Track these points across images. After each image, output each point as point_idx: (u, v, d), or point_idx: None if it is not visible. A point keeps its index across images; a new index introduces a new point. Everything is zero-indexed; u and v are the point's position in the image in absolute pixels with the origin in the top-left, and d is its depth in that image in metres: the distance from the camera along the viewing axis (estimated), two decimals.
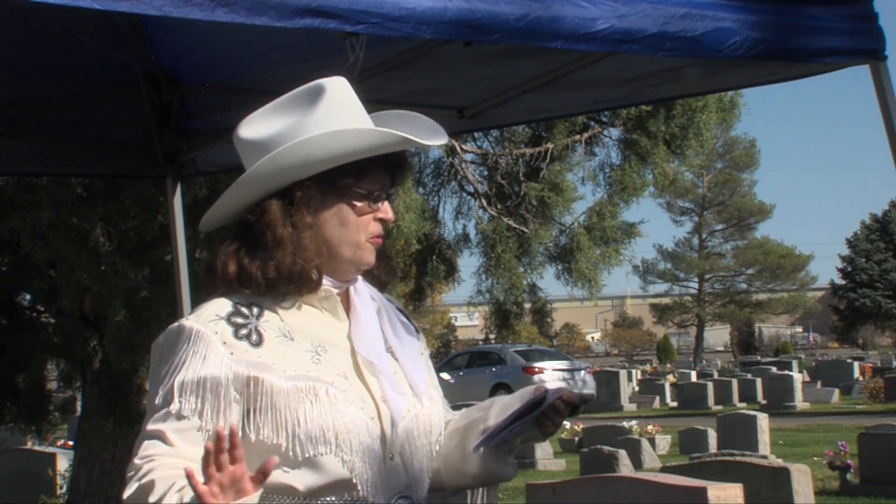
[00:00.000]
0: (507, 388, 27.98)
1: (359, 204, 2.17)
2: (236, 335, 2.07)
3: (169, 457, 2.01)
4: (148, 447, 2.03)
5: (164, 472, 1.98)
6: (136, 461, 2.01)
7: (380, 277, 2.30)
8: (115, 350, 8.22)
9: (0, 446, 15.88)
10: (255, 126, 2.21)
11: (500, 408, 2.30)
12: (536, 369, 28.64)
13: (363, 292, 2.25)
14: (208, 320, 2.09)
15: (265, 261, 2.12)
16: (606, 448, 12.57)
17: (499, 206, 19.53)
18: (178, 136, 4.66)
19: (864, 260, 62.12)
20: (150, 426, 2.05)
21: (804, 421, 22.36)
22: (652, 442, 16.42)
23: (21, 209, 8.62)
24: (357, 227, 2.17)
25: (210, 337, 2.06)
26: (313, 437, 2.05)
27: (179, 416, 2.03)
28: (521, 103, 4.24)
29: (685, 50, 2.91)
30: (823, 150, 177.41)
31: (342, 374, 2.13)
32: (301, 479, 2.06)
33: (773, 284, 65.50)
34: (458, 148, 18.98)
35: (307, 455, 2.05)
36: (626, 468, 11.84)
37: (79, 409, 12.60)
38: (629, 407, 29.82)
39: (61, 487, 13.13)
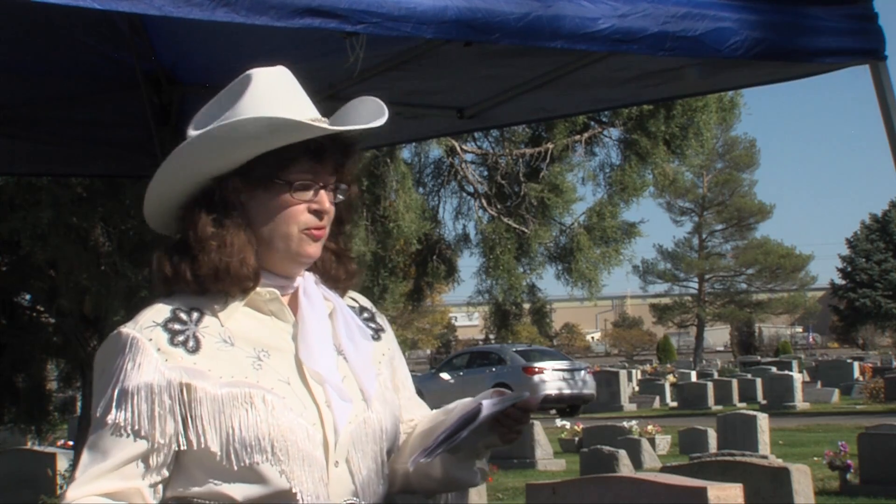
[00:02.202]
0: (506, 388, 27.84)
1: (284, 195, 2.10)
2: (172, 342, 2.04)
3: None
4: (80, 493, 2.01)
5: None
6: None
7: (338, 279, 2.23)
8: None
9: (0, 446, 15.88)
10: (196, 122, 2.18)
11: (455, 414, 2.23)
12: (536, 369, 28.64)
13: (313, 294, 2.17)
14: (144, 327, 2.05)
15: (194, 260, 2.08)
16: (606, 448, 12.57)
17: (499, 207, 19.53)
18: (178, 136, 4.66)
19: (864, 260, 62.16)
20: (89, 449, 2.03)
21: (804, 421, 22.36)
22: (652, 442, 16.41)
23: (21, 209, 8.62)
24: (286, 219, 2.10)
25: (144, 344, 2.03)
26: (249, 445, 2.00)
27: (116, 429, 2.01)
28: (521, 103, 4.24)
29: (685, 50, 2.91)
30: (823, 150, 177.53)
31: (284, 379, 2.07)
32: (239, 490, 2.02)
33: (773, 284, 65.51)
34: (458, 148, 18.97)
35: (243, 464, 2.00)
36: (626, 468, 11.83)
37: (79, 409, 12.60)
38: (629, 407, 29.81)
39: (61, 487, 13.13)
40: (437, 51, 3.70)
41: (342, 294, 2.26)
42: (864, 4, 3.26)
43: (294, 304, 2.16)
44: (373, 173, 16.61)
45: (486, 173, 20.18)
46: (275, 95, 2.14)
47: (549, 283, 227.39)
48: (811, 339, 77.61)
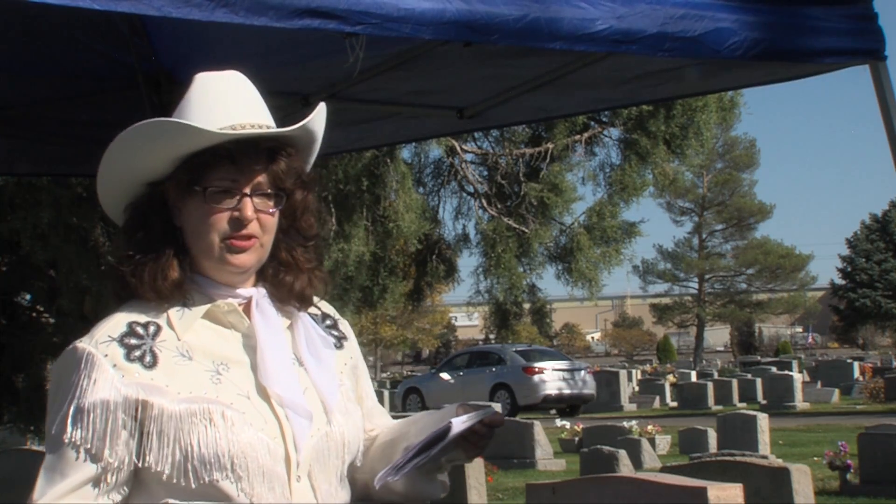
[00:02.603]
0: (506, 388, 27.99)
1: (202, 202, 2.03)
2: (128, 357, 2.00)
3: None
4: None
5: None
6: None
7: (297, 294, 2.13)
8: None
9: (0, 446, 15.89)
10: None
11: (420, 427, 2.21)
12: (536, 369, 28.62)
13: (266, 307, 2.11)
14: (100, 342, 2.01)
15: (127, 268, 2.05)
16: (606, 448, 12.56)
17: (499, 206, 19.54)
18: None
19: (864, 260, 62.18)
20: (45, 470, 2.00)
21: (804, 421, 22.36)
22: (652, 442, 16.41)
23: (21, 209, 8.63)
24: (206, 227, 2.04)
25: (100, 360, 1.99)
26: (208, 462, 1.96)
27: (73, 448, 1.97)
28: (521, 103, 4.24)
29: (684, 50, 2.91)
30: (823, 150, 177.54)
31: (244, 393, 2.03)
32: None
33: (773, 284, 65.57)
34: (458, 148, 18.98)
35: (202, 482, 1.97)
36: (626, 468, 11.83)
37: None
38: (629, 407, 29.81)
39: None
40: (437, 51, 3.71)
41: (303, 307, 2.17)
42: (864, 4, 3.27)
43: (249, 316, 2.10)
44: (373, 173, 16.61)
45: (486, 173, 20.19)
46: (200, 99, 2.10)
47: (549, 283, 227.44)
48: (811, 340, 77.59)
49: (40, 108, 4.44)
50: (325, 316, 2.26)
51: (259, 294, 2.12)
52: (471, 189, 20.33)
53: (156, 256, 2.04)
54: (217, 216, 2.04)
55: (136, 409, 1.98)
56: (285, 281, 2.13)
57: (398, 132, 5.03)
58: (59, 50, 4.08)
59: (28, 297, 12.45)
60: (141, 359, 2.00)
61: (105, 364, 1.99)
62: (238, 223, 2.04)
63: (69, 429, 1.97)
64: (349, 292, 18.42)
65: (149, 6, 2.23)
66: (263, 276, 2.13)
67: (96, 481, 1.98)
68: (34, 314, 12.40)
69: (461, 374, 29.95)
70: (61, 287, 9.12)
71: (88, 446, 1.97)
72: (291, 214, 2.12)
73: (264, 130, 2.06)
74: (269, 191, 2.07)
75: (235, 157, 2.04)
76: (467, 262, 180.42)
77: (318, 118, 2.16)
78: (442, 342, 71.57)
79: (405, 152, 18.63)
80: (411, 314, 53.19)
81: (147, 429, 1.98)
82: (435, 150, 19.51)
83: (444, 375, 30.34)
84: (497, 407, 18.72)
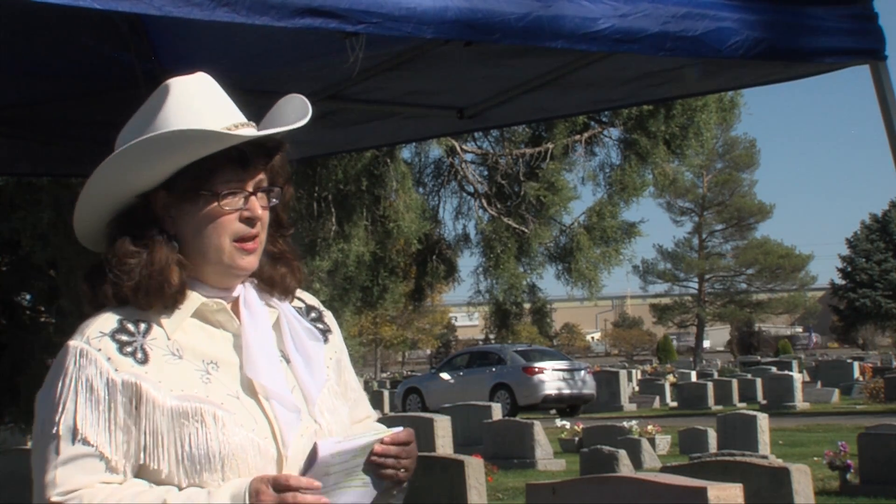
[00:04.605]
0: (506, 388, 27.98)
1: (212, 206, 2.05)
2: (121, 351, 2.01)
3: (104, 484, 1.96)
4: (72, 480, 1.96)
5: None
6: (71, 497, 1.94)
7: (285, 285, 2.16)
8: None
9: (0, 446, 15.88)
10: (121, 138, 2.12)
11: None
12: (536, 369, 28.62)
13: (254, 304, 2.13)
14: (92, 338, 2.01)
15: (116, 278, 2.03)
16: (606, 448, 12.55)
17: (498, 206, 19.55)
18: None
19: (864, 260, 62.21)
20: (57, 460, 1.97)
21: (804, 421, 22.36)
22: (652, 442, 16.40)
23: (21, 209, 8.63)
24: (217, 230, 2.06)
25: (95, 355, 1.99)
26: (198, 463, 1.98)
27: (77, 440, 1.97)
28: (521, 103, 4.24)
29: (686, 50, 2.92)
30: (823, 150, 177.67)
31: (233, 394, 2.05)
32: None
33: (773, 284, 65.59)
34: (458, 148, 18.99)
35: (192, 482, 1.98)
36: (626, 468, 11.82)
37: None
38: (629, 407, 29.80)
39: None
40: (437, 51, 3.70)
41: (288, 298, 2.19)
42: (864, 4, 3.27)
43: (237, 315, 2.11)
44: (373, 173, 16.62)
45: (486, 173, 20.20)
46: (191, 104, 2.09)
47: (549, 283, 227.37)
48: (814, 343, 77.40)
49: (40, 108, 4.44)
50: (310, 308, 2.27)
51: (247, 291, 2.13)
52: (471, 189, 20.33)
53: (158, 267, 2.04)
54: (227, 218, 2.06)
55: (132, 395, 1.98)
56: (272, 272, 2.15)
57: (398, 132, 5.03)
58: (59, 50, 4.08)
59: (28, 297, 12.47)
60: (133, 354, 2.01)
61: (99, 357, 2.00)
62: (250, 222, 2.07)
63: (80, 423, 1.97)
64: (349, 292, 18.42)
65: (150, 5, 2.23)
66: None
67: (106, 468, 1.97)
68: (34, 314, 12.43)
69: (461, 374, 29.93)
70: (61, 287, 9.13)
71: (93, 437, 1.97)
72: (283, 208, 2.16)
73: (283, 128, 2.08)
74: (270, 188, 2.10)
75: (247, 157, 2.07)
76: (467, 262, 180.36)
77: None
78: (442, 342, 71.56)
79: (405, 152, 18.64)
80: (411, 314, 53.20)
81: (142, 426, 1.98)
82: (435, 150, 19.52)
83: (444, 375, 30.32)
84: (497, 407, 18.72)
